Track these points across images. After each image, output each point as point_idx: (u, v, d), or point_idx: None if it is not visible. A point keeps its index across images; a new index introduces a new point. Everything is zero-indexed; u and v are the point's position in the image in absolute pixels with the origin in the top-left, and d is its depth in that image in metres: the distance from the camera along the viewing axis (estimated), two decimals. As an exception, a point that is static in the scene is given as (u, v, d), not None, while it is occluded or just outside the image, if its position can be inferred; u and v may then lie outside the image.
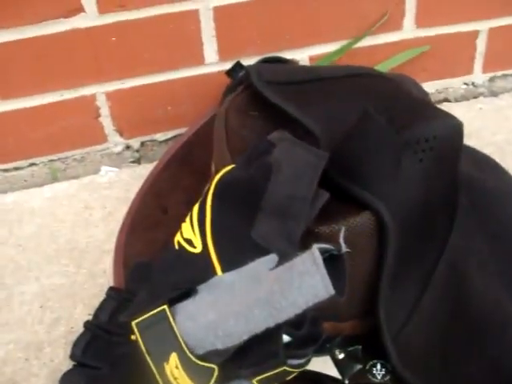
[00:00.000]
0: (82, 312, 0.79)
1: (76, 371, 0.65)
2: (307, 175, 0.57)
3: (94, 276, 0.84)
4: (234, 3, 0.97)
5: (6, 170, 1.04)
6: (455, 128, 0.67)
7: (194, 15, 0.96)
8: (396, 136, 0.62)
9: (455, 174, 0.69)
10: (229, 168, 0.63)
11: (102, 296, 0.71)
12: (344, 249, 0.54)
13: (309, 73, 0.82)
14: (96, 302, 0.70)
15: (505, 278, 0.70)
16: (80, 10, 0.92)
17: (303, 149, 0.59)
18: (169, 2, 0.94)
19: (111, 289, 0.72)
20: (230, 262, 0.58)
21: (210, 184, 0.63)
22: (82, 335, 0.67)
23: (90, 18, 0.93)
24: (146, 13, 0.95)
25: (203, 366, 0.56)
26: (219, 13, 0.97)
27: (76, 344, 0.66)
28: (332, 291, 0.51)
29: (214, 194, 0.61)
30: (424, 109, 0.68)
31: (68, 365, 0.66)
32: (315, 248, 0.52)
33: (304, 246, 0.56)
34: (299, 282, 0.52)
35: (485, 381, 0.65)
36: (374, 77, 0.79)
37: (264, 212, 0.58)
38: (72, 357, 0.65)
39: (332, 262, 0.53)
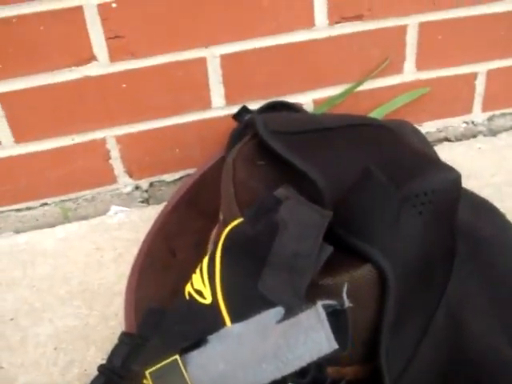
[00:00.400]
0: (95, 355, 0.81)
1: (90, 415, 0.68)
2: (312, 234, 0.60)
3: (106, 318, 0.86)
4: (240, 51, 1.00)
5: (18, 210, 1.07)
6: (453, 181, 0.69)
7: (201, 63, 0.99)
8: (396, 191, 0.65)
9: (453, 224, 0.72)
10: (237, 222, 0.65)
11: (113, 339, 0.72)
12: (347, 303, 0.57)
13: (312, 122, 0.84)
14: (108, 345, 0.72)
15: (503, 324, 0.72)
16: (92, 58, 0.95)
17: (308, 208, 0.62)
18: (177, 50, 0.98)
19: (124, 334, 0.74)
20: (239, 314, 0.60)
21: (219, 237, 0.65)
22: (95, 379, 0.68)
23: (101, 66, 0.96)
24: (154, 61, 0.98)
25: (213, 414, 0.58)
26: (226, 60, 1.00)
27: (90, 388, 0.68)
28: (336, 346, 0.54)
29: (222, 248, 0.64)
30: (423, 162, 0.71)
31: (82, 408, 0.69)
32: (319, 305, 0.55)
33: (308, 297, 0.59)
34: (304, 338, 0.54)
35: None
36: (375, 127, 0.82)
37: (271, 267, 0.60)
38: (86, 400, 0.68)
39: (335, 316, 0.56)
